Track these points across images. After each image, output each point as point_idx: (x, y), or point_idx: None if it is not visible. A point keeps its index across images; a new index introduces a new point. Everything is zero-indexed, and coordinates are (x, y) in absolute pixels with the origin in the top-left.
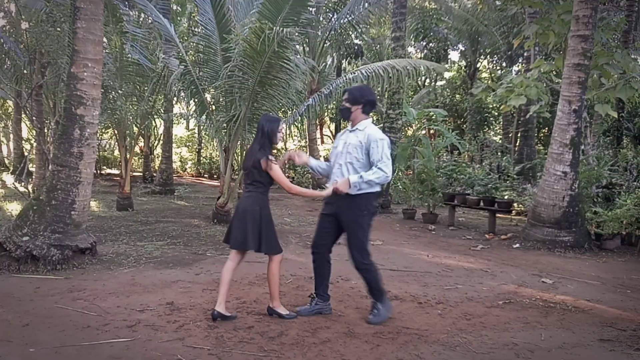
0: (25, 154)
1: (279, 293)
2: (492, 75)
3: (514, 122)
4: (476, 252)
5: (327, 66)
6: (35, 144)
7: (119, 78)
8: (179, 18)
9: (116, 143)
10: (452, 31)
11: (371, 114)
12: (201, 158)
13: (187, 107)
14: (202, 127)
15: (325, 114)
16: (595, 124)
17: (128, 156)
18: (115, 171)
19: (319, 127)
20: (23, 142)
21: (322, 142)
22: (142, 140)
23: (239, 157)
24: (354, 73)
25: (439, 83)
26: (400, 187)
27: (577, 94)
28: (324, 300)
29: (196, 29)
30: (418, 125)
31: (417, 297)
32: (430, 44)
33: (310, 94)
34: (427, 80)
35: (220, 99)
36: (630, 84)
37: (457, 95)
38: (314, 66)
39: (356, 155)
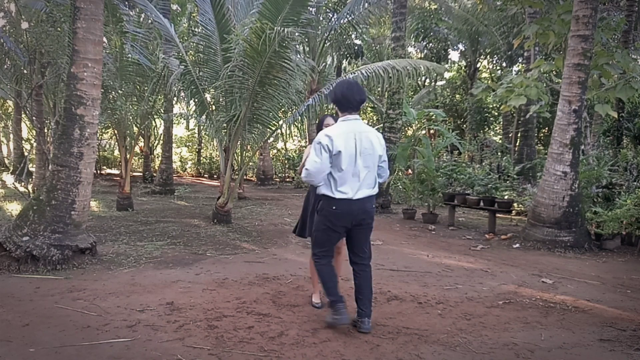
0: (25, 154)
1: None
2: (492, 75)
3: (514, 122)
4: (476, 252)
5: (327, 66)
6: (35, 144)
7: (119, 78)
8: (179, 18)
9: (116, 143)
10: (452, 31)
11: (355, 112)
12: (201, 158)
13: (187, 107)
14: (202, 127)
15: (325, 114)
16: (595, 124)
17: (128, 156)
18: (115, 171)
19: None
20: (23, 142)
21: None
22: (142, 140)
23: (239, 157)
24: (354, 73)
25: (439, 83)
26: (400, 187)
27: (577, 94)
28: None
29: (196, 29)
30: (418, 125)
31: (417, 297)
32: (430, 44)
33: (310, 94)
34: (427, 81)
35: (220, 99)
36: (630, 84)
37: (457, 95)
38: (314, 66)
39: None
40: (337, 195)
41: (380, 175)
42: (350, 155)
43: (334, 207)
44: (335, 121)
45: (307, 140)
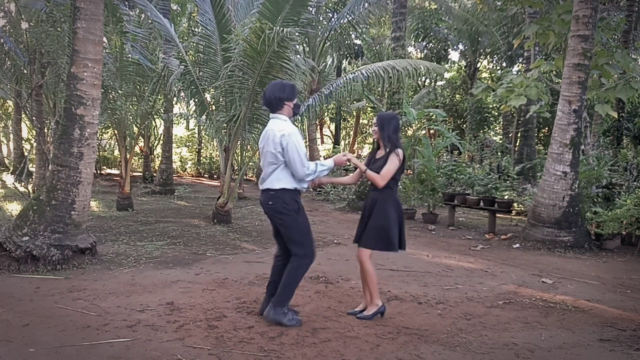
0: (25, 154)
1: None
2: (492, 75)
3: (514, 122)
4: (476, 252)
5: (327, 66)
6: (35, 144)
7: (119, 78)
8: (179, 18)
9: (116, 143)
10: (452, 31)
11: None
12: (201, 158)
13: (187, 107)
14: (202, 127)
15: (325, 114)
16: (595, 124)
17: (128, 156)
18: (115, 171)
19: (319, 127)
20: (23, 142)
21: (322, 142)
22: (142, 140)
23: (239, 157)
24: (354, 73)
25: (439, 83)
26: (400, 187)
27: (577, 94)
28: None
29: (196, 29)
30: (418, 125)
31: (417, 297)
32: (430, 44)
33: (310, 94)
34: (427, 81)
35: (220, 99)
36: (630, 84)
37: (457, 95)
38: (314, 66)
39: None
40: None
41: (293, 175)
42: (261, 150)
43: None
44: (379, 120)
45: (307, 139)
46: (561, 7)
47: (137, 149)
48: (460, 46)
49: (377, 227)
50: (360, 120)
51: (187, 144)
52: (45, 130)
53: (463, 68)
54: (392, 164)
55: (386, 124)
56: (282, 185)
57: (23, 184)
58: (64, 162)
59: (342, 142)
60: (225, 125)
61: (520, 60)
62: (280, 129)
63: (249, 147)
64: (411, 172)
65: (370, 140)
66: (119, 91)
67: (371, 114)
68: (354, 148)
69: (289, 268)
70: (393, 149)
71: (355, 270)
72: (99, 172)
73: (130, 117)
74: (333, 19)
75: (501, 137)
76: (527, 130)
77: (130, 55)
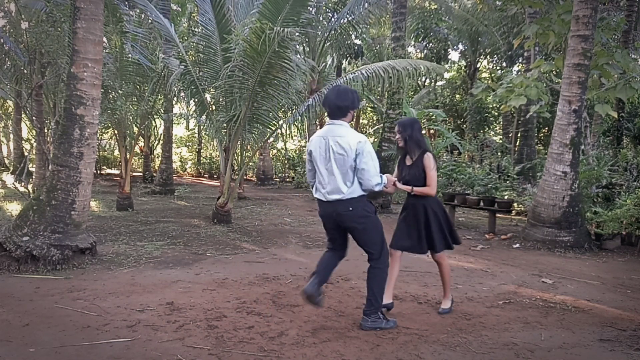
0: (25, 154)
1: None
2: (492, 75)
3: (514, 122)
4: (476, 252)
5: (327, 66)
6: (35, 144)
7: (119, 78)
8: (179, 18)
9: (116, 143)
10: (452, 31)
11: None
12: (201, 158)
13: (187, 107)
14: (202, 127)
15: (325, 114)
16: (595, 124)
17: (128, 156)
18: (115, 171)
19: (319, 127)
20: (23, 142)
21: None
22: (142, 140)
23: (239, 157)
24: (354, 73)
25: (439, 83)
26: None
27: (577, 94)
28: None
29: (196, 29)
30: None
31: (417, 297)
32: (431, 44)
33: (310, 94)
34: (427, 81)
35: (220, 99)
36: (630, 84)
37: (457, 95)
38: (314, 66)
39: None
40: (317, 196)
41: (360, 182)
42: (320, 157)
43: (318, 208)
44: (402, 126)
45: (307, 139)
46: (561, 7)
47: (137, 149)
48: (460, 46)
49: (442, 227)
50: (360, 120)
51: (187, 144)
52: (45, 130)
53: (463, 68)
54: (432, 169)
55: (409, 129)
56: (360, 193)
57: (23, 184)
58: (64, 162)
59: None
60: (225, 125)
61: (520, 60)
62: (354, 136)
63: (248, 147)
64: None
65: (370, 140)
66: (119, 91)
67: (371, 113)
68: None
69: (372, 275)
70: (423, 154)
71: (355, 270)
72: (99, 172)
73: (130, 117)
74: (333, 19)
75: (501, 137)
76: (527, 130)
77: (130, 55)
